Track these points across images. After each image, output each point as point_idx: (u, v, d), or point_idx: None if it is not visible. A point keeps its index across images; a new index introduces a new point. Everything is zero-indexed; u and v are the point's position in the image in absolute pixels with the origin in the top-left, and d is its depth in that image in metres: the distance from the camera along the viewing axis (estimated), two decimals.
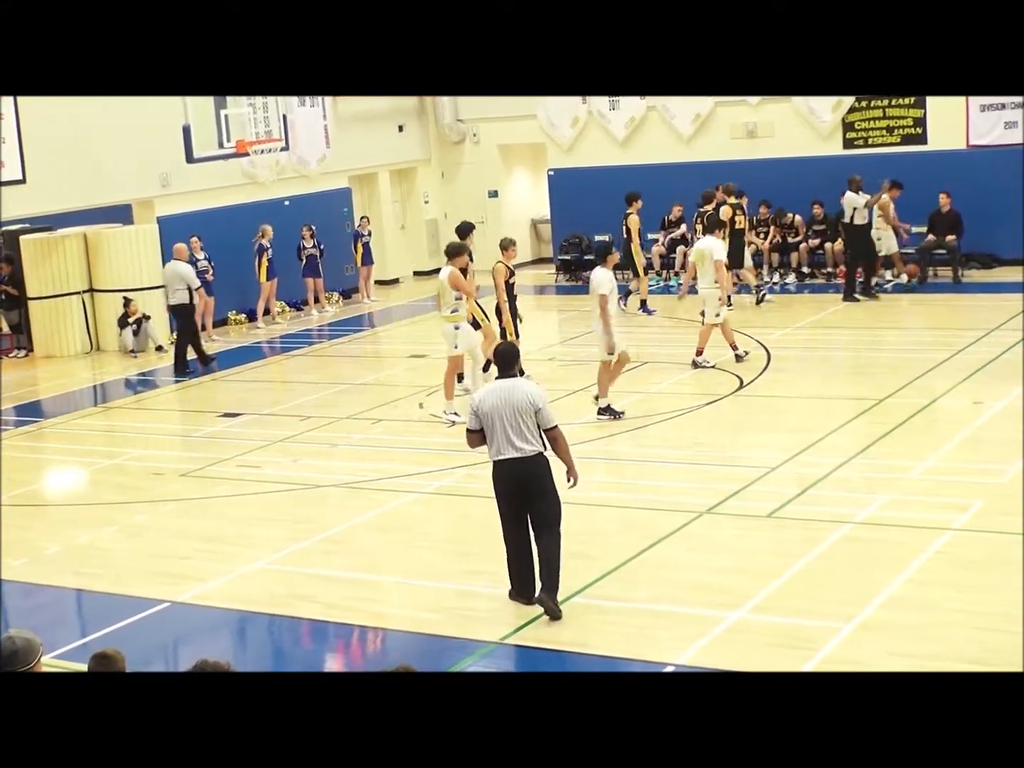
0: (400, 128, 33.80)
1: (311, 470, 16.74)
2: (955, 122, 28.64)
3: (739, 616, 11.16)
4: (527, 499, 11.71)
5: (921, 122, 29.13)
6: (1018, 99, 28.00)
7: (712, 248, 20.68)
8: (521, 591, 11.90)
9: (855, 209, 24.96)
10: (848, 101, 29.58)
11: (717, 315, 20.46)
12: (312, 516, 14.95)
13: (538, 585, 11.61)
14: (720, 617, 11.14)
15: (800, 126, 30.22)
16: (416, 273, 34.25)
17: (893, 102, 29.27)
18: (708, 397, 18.62)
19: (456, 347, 18.65)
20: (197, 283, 24.38)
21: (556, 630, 11.23)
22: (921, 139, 29.14)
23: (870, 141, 29.66)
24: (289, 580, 13.05)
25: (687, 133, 31.39)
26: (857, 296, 24.72)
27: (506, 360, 12.08)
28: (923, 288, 26.84)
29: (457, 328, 18.62)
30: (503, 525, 11.89)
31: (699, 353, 20.67)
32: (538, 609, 11.54)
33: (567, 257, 32.31)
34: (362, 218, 31.03)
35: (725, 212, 25.20)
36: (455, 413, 18.33)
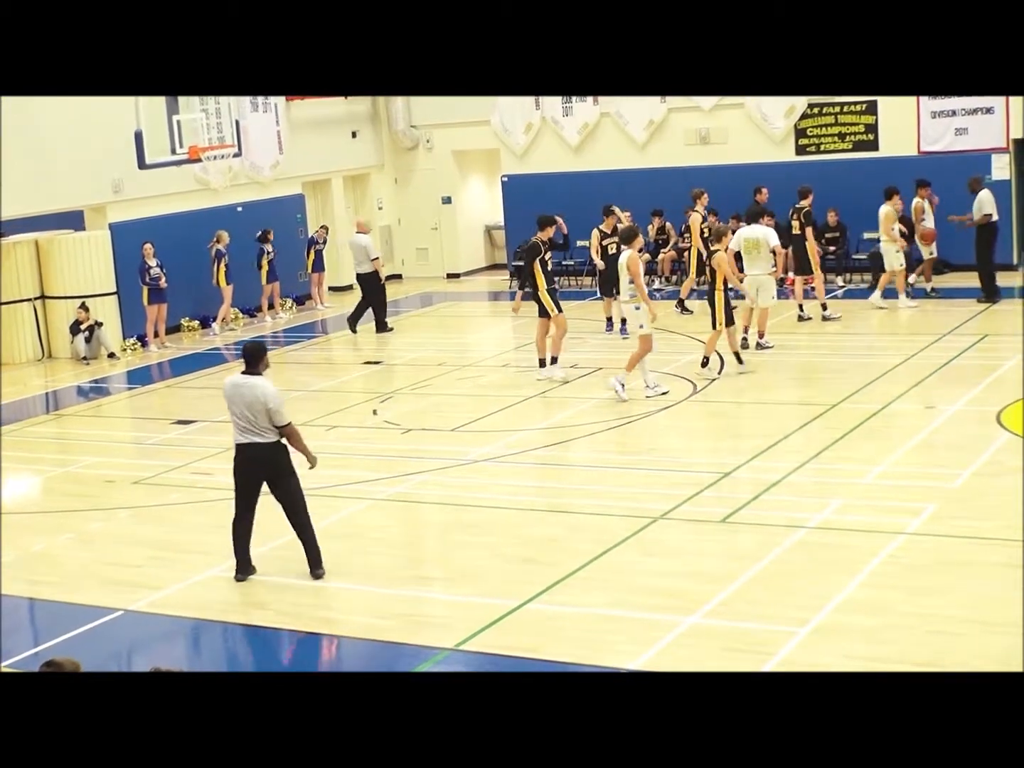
0: (354, 134, 33.74)
1: None
2: (906, 129, 28.83)
3: (694, 621, 11.18)
4: (260, 484, 13.05)
5: (873, 128, 29.31)
6: (968, 106, 28.22)
7: (767, 235, 21.63)
8: (242, 569, 13.15)
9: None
10: (801, 107, 29.73)
11: (773, 297, 21.80)
12: (265, 523, 14.85)
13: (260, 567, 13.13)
14: (675, 622, 11.16)
15: (753, 132, 30.35)
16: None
17: (845, 108, 29.44)
18: (662, 403, 18.65)
19: (642, 326, 19.02)
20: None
21: (511, 636, 11.23)
22: (873, 145, 29.32)
23: (822, 147, 29.82)
24: (242, 587, 12.99)
25: (640, 139, 31.46)
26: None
27: (250, 357, 13.05)
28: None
29: (638, 308, 19.09)
30: (234, 504, 13.18)
31: (761, 336, 21.75)
32: (493, 615, 11.54)
33: (521, 263, 32.27)
34: (321, 227, 30.94)
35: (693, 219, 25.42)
36: (656, 385, 19.20)
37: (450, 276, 34.29)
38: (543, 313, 20.83)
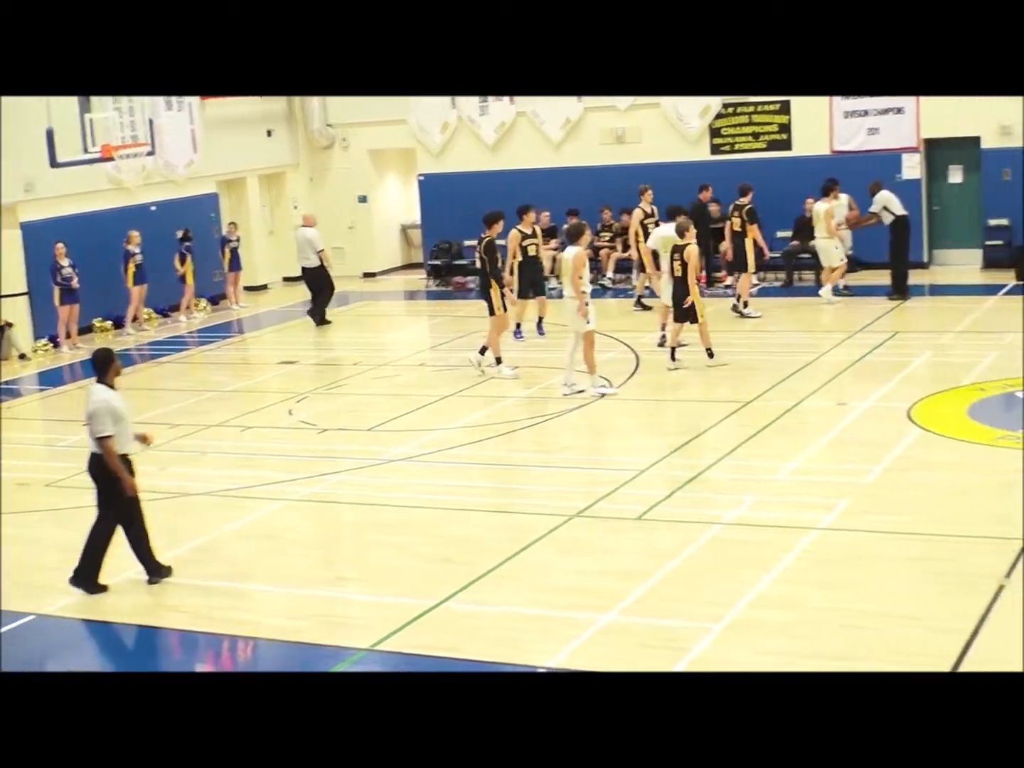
0: (269, 133, 33.59)
1: (179, 478, 16.56)
2: (819, 128, 29.11)
3: (610, 618, 11.22)
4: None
5: (786, 128, 29.56)
6: (880, 106, 28.52)
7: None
8: (151, 572, 13.04)
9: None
10: (715, 107, 29.92)
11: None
12: (180, 525, 14.79)
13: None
14: (591, 619, 11.19)
15: (668, 132, 30.50)
16: (285, 279, 34.05)
17: (759, 108, 29.66)
18: (578, 401, 18.70)
19: (589, 322, 19.00)
20: None
21: (428, 635, 11.22)
22: (786, 145, 29.57)
23: (736, 147, 30.03)
24: (156, 590, 12.89)
25: (557, 138, 31.54)
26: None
27: (97, 364, 12.95)
28: (787, 291, 27.23)
29: (588, 304, 19.11)
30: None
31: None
32: (410, 614, 11.53)
33: (437, 262, 32.32)
34: (230, 224, 30.80)
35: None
36: (604, 384, 19.19)
37: (366, 275, 34.21)
38: (493, 311, 20.85)
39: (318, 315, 27.33)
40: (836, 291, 25.36)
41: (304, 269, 27.83)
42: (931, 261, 29.26)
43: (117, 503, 12.76)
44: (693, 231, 20.69)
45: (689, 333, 21.23)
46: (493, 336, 20.89)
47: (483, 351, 21.10)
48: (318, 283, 27.51)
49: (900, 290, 25.44)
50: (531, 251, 22.79)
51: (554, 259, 28.13)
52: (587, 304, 18.92)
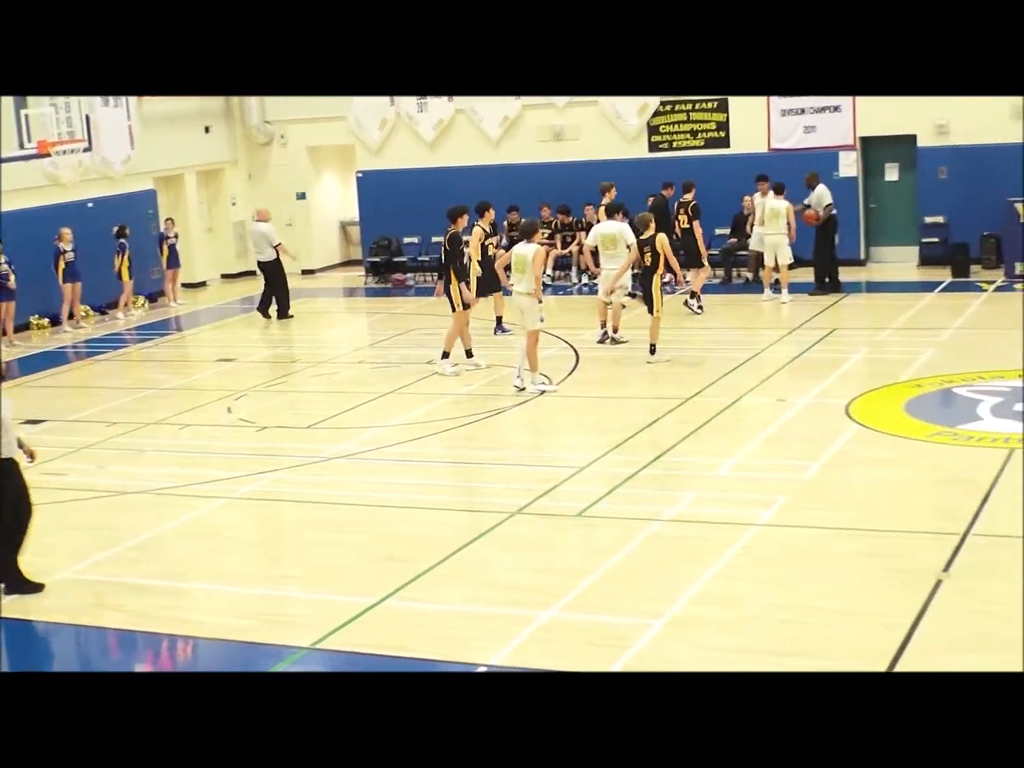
0: (207, 129, 33.44)
1: (117, 477, 16.47)
2: (757, 126, 29.27)
3: (551, 615, 11.24)
4: None
5: (724, 126, 29.71)
6: (817, 104, 28.71)
7: (623, 231, 21.93)
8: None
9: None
10: (653, 105, 30.04)
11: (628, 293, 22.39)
12: (119, 523, 14.72)
13: None
14: (532, 616, 11.20)
15: (606, 129, 30.58)
16: (224, 276, 33.92)
17: (697, 106, 29.80)
18: (519, 398, 18.72)
19: (542, 320, 19.11)
20: None
21: (370, 633, 11.20)
22: (724, 143, 29.73)
23: (675, 144, 30.15)
24: (95, 589, 12.81)
25: (495, 135, 31.56)
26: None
27: None
28: (726, 288, 27.37)
29: (540, 302, 19.15)
30: None
31: (615, 330, 22.01)
32: (351, 612, 11.52)
33: (376, 259, 32.26)
34: (167, 220, 30.64)
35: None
36: (544, 382, 19.18)
37: (305, 272, 34.10)
38: (455, 307, 20.77)
39: (282, 309, 27.40)
40: (775, 289, 25.47)
41: (260, 263, 27.79)
42: (868, 258, 29.48)
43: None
44: (653, 223, 20.88)
45: (631, 330, 21.34)
46: (454, 332, 20.77)
47: (469, 354, 21.05)
48: (275, 277, 27.44)
49: (823, 285, 25.70)
50: (490, 250, 22.59)
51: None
52: (540, 301, 19.03)
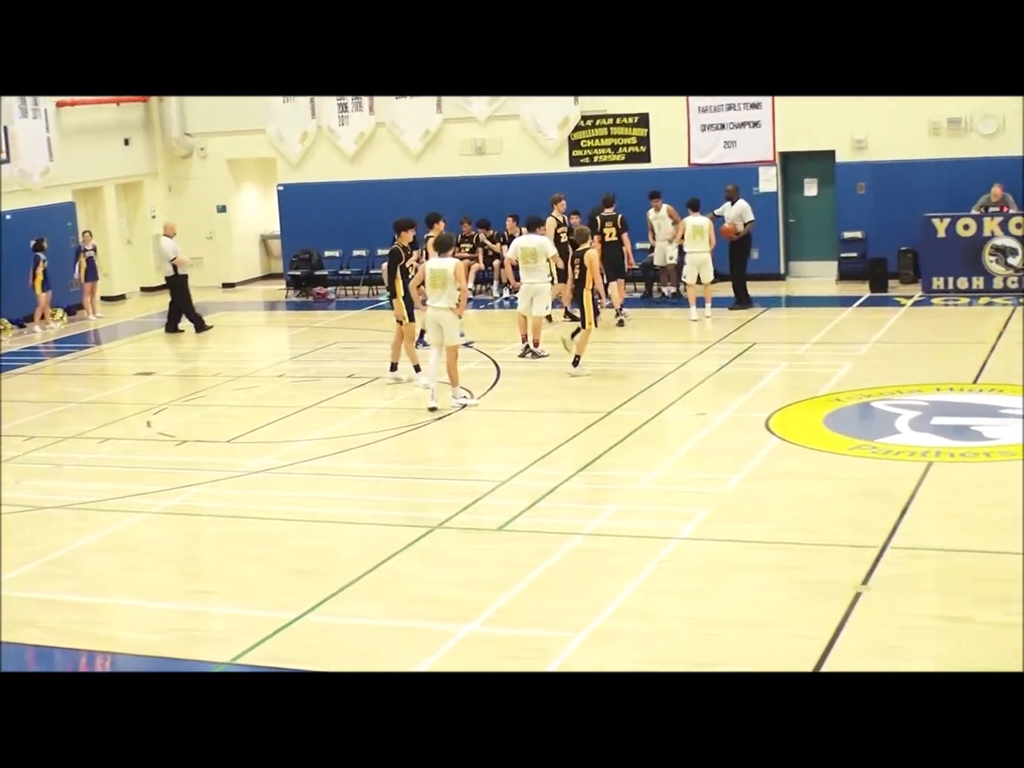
0: (126, 141, 33.20)
1: (35, 491, 16.27)
2: (677, 141, 29.44)
3: (471, 629, 11.21)
4: None
5: (645, 141, 29.87)
6: (737, 120, 28.92)
7: (544, 244, 22.16)
8: None
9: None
10: (574, 119, 30.15)
11: (547, 307, 22.34)
12: (35, 538, 14.54)
13: None
14: (452, 631, 11.17)
15: (528, 143, 30.66)
16: (143, 289, 33.67)
17: (618, 121, 29.94)
18: (438, 412, 18.69)
19: (462, 335, 19.08)
20: None
21: (288, 649, 11.13)
22: (645, 157, 29.88)
23: (595, 159, 30.25)
24: (9, 605, 12.63)
25: (416, 149, 31.54)
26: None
27: None
28: (646, 303, 27.46)
29: (460, 317, 19.15)
30: None
31: (536, 344, 22.08)
32: (270, 627, 11.44)
33: (297, 272, 32.13)
34: (84, 232, 30.37)
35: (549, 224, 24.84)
36: (465, 396, 19.13)
37: (225, 286, 33.95)
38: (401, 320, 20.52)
39: (195, 323, 27.17)
40: (701, 304, 25.52)
41: (166, 278, 27.69)
42: (787, 273, 29.70)
43: None
44: (592, 239, 21.05)
45: (552, 344, 21.38)
46: (407, 346, 20.56)
47: (394, 367, 20.92)
48: (177, 293, 27.28)
49: (742, 300, 25.88)
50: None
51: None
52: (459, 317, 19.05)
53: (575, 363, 20.59)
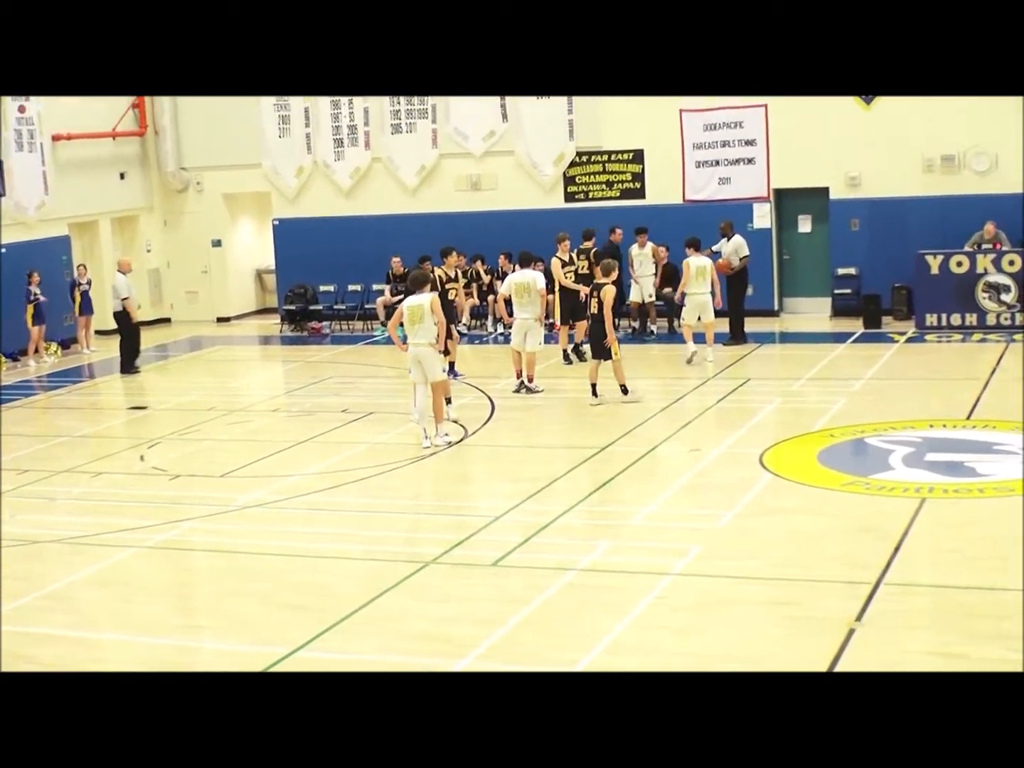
0: (122, 175, 33.27)
1: (29, 525, 16.24)
2: (672, 178, 29.53)
3: (464, 664, 11.18)
4: None
5: (640, 177, 29.95)
6: (731, 156, 29.02)
7: (536, 279, 22.32)
8: None
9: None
10: (570, 155, 30.24)
11: (540, 343, 22.36)
12: (30, 573, 14.51)
13: None
14: (446, 667, 11.14)
15: (523, 179, 30.75)
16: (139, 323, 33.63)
17: (613, 157, 30.03)
18: (434, 447, 18.67)
19: (444, 370, 19.11)
20: None
21: None
22: (640, 193, 29.96)
23: (590, 195, 30.33)
24: (4, 639, 12.61)
25: (412, 184, 31.62)
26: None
27: None
28: (638, 339, 27.46)
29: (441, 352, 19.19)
30: None
31: (530, 380, 22.13)
32: (263, 663, 11.41)
33: (292, 307, 32.16)
34: (79, 266, 30.40)
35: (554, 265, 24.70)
36: (447, 435, 18.97)
37: (220, 320, 33.97)
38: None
39: (124, 363, 27.14)
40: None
41: (114, 314, 27.67)
42: (782, 309, 29.77)
43: None
44: (615, 272, 21.08)
45: (546, 379, 21.36)
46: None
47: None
48: (122, 330, 27.30)
49: (737, 336, 25.89)
50: (451, 294, 22.50)
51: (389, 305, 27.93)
52: (442, 352, 19.03)
53: (624, 391, 20.87)
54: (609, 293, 20.76)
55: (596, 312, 20.92)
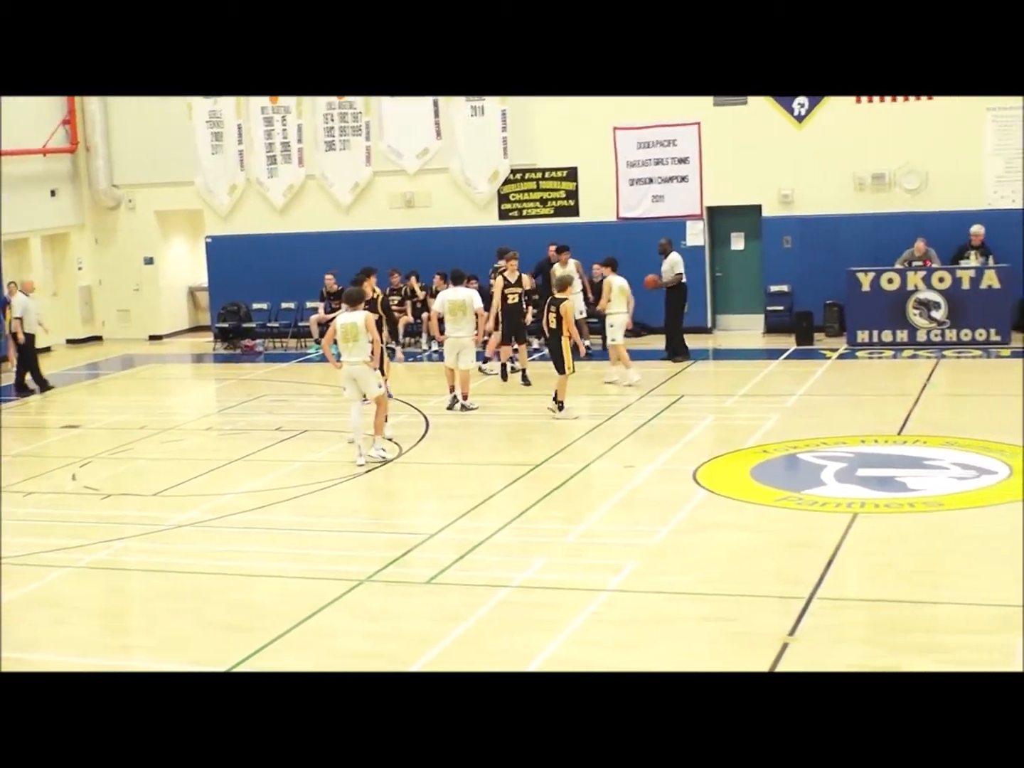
0: (53, 192, 33.04)
1: None
2: (605, 195, 29.62)
3: None
4: None
5: (573, 195, 30.03)
6: (665, 174, 29.16)
7: (471, 297, 22.37)
8: None
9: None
10: (504, 172, 30.28)
11: (472, 360, 22.69)
12: None
13: None
14: None
15: (457, 196, 30.77)
16: (69, 341, 33.43)
17: (547, 175, 30.10)
18: (367, 465, 18.63)
19: (380, 386, 19.02)
20: None
21: None
22: (573, 211, 30.04)
23: (524, 212, 30.39)
24: None
25: (346, 202, 31.57)
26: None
27: None
28: (575, 355, 27.42)
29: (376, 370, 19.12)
30: None
31: (465, 397, 22.16)
32: None
33: (225, 325, 32.03)
34: (9, 284, 30.09)
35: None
36: (383, 450, 18.97)
37: (152, 338, 33.78)
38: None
39: (17, 383, 27.01)
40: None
41: (11, 335, 27.38)
42: (715, 326, 29.92)
43: None
44: (574, 286, 21.25)
45: (480, 396, 21.35)
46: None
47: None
48: (20, 351, 27.12)
49: (675, 352, 25.97)
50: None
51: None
52: (376, 369, 18.95)
53: (560, 407, 21.06)
54: (568, 308, 20.93)
55: (555, 327, 21.04)
